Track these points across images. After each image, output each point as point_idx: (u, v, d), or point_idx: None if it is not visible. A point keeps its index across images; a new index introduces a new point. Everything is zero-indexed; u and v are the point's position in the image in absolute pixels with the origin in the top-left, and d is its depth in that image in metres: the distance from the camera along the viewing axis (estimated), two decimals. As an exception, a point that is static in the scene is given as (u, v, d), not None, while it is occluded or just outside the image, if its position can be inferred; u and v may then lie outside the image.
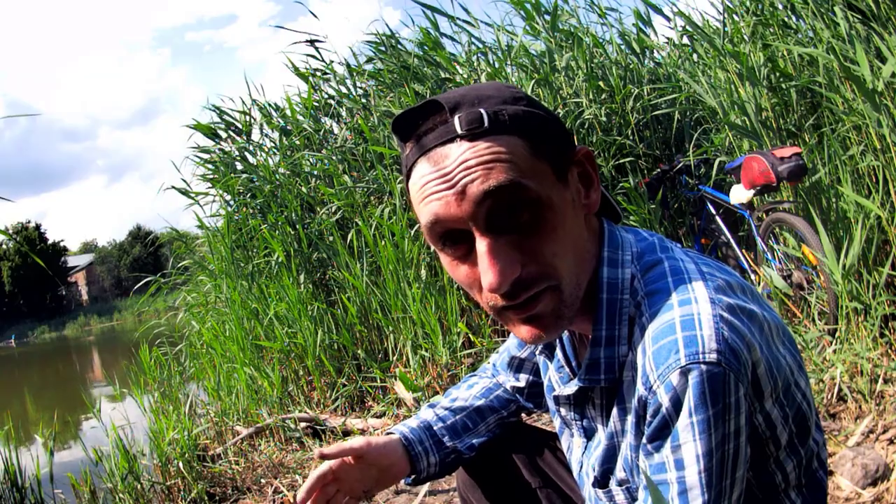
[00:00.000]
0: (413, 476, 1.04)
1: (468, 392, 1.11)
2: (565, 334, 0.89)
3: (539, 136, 0.72)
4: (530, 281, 0.71)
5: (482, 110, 0.70)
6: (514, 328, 0.75)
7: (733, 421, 0.65)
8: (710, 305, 0.68)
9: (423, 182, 0.72)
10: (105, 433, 3.00)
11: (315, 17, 5.24)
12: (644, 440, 0.70)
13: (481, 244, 0.70)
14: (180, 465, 2.85)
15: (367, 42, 4.74)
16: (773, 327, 0.73)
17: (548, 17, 4.21)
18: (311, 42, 4.90)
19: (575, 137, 3.91)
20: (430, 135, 0.72)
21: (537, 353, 0.97)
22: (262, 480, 2.82)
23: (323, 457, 0.97)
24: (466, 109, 0.71)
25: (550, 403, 0.93)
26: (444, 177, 0.70)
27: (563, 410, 0.87)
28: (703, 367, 0.64)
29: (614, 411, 0.77)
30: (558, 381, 0.89)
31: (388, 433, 1.05)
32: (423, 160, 0.72)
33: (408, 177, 0.75)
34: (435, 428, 1.06)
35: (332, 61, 4.95)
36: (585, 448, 0.86)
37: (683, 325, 0.67)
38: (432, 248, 0.80)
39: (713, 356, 0.65)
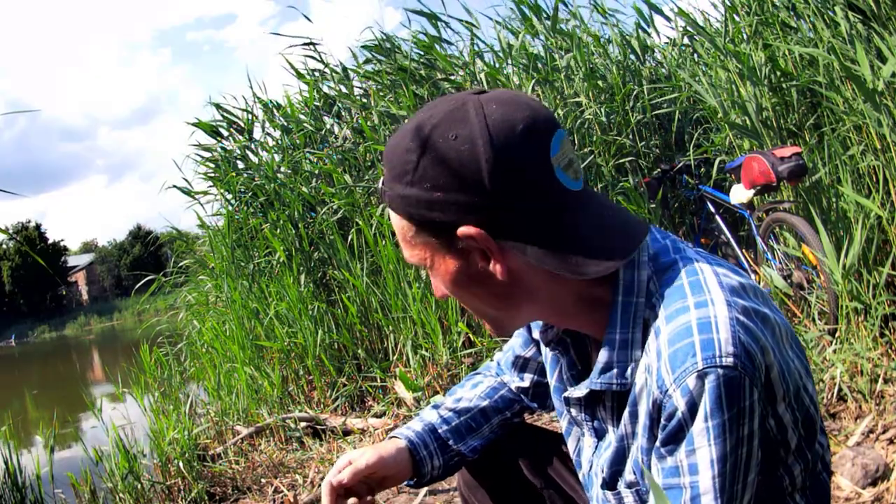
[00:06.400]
0: (416, 479, 1.04)
1: (472, 392, 1.10)
2: (577, 334, 0.88)
3: (419, 217, 0.75)
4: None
5: (381, 185, 0.78)
6: None
7: (747, 425, 0.65)
8: (726, 308, 0.68)
9: None
10: (105, 433, 3.00)
11: (309, 20, 5.23)
12: (658, 443, 0.69)
13: None
14: (180, 464, 2.84)
15: (364, 47, 4.71)
16: (783, 331, 0.73)
17: (548, 22, 4.20)
18: (309, 44, 4.88)
19: (574, 137, 3.90)
20: None
21: (547, 352, 0.96)
22: (263, 480, 2.82)
23: (340, 485, 0.96)
24: (383, 176, 0.78)
25: (558, 404, 0.92)
26: None
27: (573, 411, 0.86)
28: (720, 370, 0.64)
29: (625, 414, 0.77)
30: (568, 381, 0.88)
31: (391, 437, 1.05)
32: None
33: None
34: (439, 431, 1.05)
35: (328, 64, 4.92)
36: (596, 448, 0.85)
37: (700, 328, 0.67)
38: None
39: (730, 360, 0.64)
